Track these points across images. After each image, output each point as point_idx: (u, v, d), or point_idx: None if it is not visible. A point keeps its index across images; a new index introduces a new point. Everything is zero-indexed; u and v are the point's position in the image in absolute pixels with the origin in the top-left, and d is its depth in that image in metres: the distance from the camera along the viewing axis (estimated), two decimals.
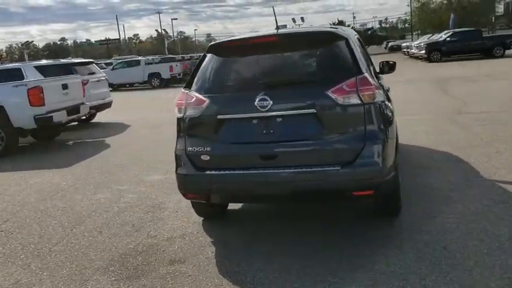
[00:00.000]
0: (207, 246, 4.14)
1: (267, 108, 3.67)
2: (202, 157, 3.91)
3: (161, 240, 4.36)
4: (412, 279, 3.24)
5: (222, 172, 3.84)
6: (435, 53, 29.50)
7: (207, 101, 3.86)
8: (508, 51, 27.80)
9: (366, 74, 3.72)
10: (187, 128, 4.00)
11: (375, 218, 4.37)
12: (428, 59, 29.28)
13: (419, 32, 62.00)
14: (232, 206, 4.92)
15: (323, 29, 4.49)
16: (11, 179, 7.22)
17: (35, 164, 8.23)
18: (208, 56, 4.14)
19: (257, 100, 3.68)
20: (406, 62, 30.33)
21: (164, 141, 9.31)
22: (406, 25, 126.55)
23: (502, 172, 5.38)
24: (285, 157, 3.71)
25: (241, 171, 3.79)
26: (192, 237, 4.36)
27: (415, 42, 34.88)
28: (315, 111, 3.63)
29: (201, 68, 4.11)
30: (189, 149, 3.98)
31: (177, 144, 4.12)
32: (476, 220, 4.11)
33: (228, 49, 4.19)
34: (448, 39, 29.88)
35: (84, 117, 11.49)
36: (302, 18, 64.58)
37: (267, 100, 3.66)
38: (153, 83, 27.51)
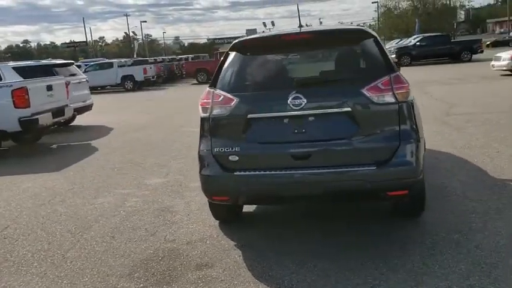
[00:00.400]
0: (231, 249, 4.02)
1: (300, 107, 3.59)
2: (230, 158, 3.79)
3: (181, 244, 4.21)
4: (456, 279, 3.21)
5: (252, 173, 3.73)
6: (405, 57, 30.06)
7: (236, 99, 3.75)
8: (474, 56, 28.57)
9: (399, 73, 3.69)
10: (213, 127, 3.87)
11: (391, 218, 4.34)
12: (399, 63, 29.73)
13: (383, 37, 63.19)
14: (246, 208, 4.80)
15: (353, 27, 4.43)
16: (0, 183, 6.88)
17: (21, 168, 7.87)
18: (232, 54, 4.02)
19: (290, 98, 3.59)
20: None
21: (156, 143, 9.16)
22: None
23: (508, 171, 5.45)
24: (319, 157, 3.63)
25: (273, 172, 3.69)
26: (213, 240, 4.23)
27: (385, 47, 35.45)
28: (350, 109, 3.58)
29: (226, 66, 3.99)
30: (216, 149, 3.85)
31: (200, 145, 3.99)
32: (502, 218, 4.13)
33: (254, 47, 4.10)
34: (418, 43, 30.58)
35: (63, 120, 11.10)
36: (272, 23, 64.96)
37: (300, 98, 3.58)
38: (126, 86, 27.01)
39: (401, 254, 3.65)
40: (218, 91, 3.86)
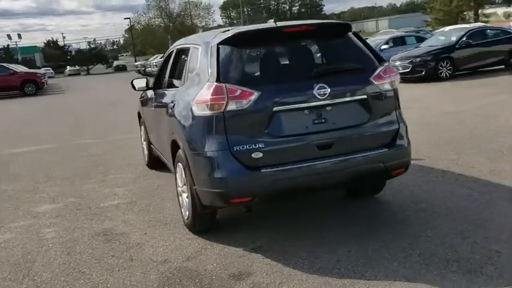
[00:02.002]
0: (249, 254, 3.76)
1: (325, 97, 3.63)
2: (253, 155, 3.56)
3: (181, 261, 3.74)
4: None
5: (281, 168, 3.58)
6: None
7: (257, 93, 3.54)
8: None
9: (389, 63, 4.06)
10: (230, 124, 3.57)
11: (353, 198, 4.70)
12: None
13: (128, 52, 63.65)
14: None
15: (339, 21, 4.56)
16: None
17: None
18: (230, 47, 3.77)
19: (316, 88, 3.60)
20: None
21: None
22: (115, 46, 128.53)
23: None
24: (341, 145, 3.72)
25: (302, 164, 3.62)
26: (220, 250, 3.88)
27: (154, 61, 35.92)
28: (365, 96, 3.78)
29: (225, 59, 3.72)
30: (236, 147, 3.56)
31: (206, 145, 3.64)
32: None
33: (255, 39, 3.94)
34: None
35: None
36: (19, 35, 59.03)
37: (325, 88, 3.62)
38: None
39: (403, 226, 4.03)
40: (230, 85, 3.58)
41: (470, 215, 4.15)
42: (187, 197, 4.15)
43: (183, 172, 4.11)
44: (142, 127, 6.75)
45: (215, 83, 3.60)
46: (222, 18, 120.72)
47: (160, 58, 36.52)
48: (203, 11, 69.08)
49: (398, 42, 18.77)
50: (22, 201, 5.74)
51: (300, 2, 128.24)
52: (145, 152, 6.72)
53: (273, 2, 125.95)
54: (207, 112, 3.62)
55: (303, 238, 3.95)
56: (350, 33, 4.07)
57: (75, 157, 8.15)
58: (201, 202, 3.89)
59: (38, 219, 5.06)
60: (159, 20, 61.25)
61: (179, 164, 4.24)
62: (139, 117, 6.97)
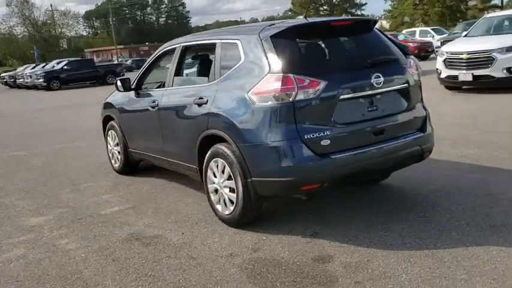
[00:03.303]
0: (310, 245, 3.87)
1: (380, 85, 3.90)
2: (322, 142, 3.70)
3: (249, 253, 3.73)
4: None
5: (347, 154, 3.77)
6: (55, 81, 29.46)
7: (324, 82, 3.69)
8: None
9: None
10: (300, 113, 3.67)
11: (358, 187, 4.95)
12: (49, 87, 28.88)
13: None
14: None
15: (369, 17, 4.79)
16: None
17: None
18: (287, 39, 3.88)
19: (373, 78, 3.86)
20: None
21: None
22: None
23: None
24: (390, 130, 4.03)
25: (364, 150, 3.85)
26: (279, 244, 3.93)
27: (28, 71, 33.21)
28: (407, 85, 4.13)
29: (285, 50, 3.80)
30: (307, 135, 3.67)
31: (274, 135, 3.70)
32: None
33: (309, 32, 4.11)
34: (65, 67, 30.26)
35: None
36: None
37: (380, 77, 3.90)
38: None
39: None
40: (297, 75, 3.68)
41: None
42: (231, 191, 4.12)
43: (227, 167, 4.07)
44: (112, 133, 6.40)
45: (282, 74, 3.68)
46: (85, 28, 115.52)
47: (32, 69, 33.91)
48: (72, 20, 65.55)
49: None
50: (8, 217, 5.13)
51: (166, 14, 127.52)
52: (119, 157, 6.38)
53: (139, 13, 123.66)
54: (274, 102, 3.68)
55: (347, 222, 4.14)
56: (377, 29, 4.40)
57: (20, 169, 7.40)
58: (257, 193, 3.91)
59: (40, 232, 4.59)
60: (23, 28, 56.64)
61: (218, 160, 4.19)
62: (106, 122, 6.59)
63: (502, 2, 59.87)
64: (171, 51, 5.30)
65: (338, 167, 3.73)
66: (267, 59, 3.81)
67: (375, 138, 3.93)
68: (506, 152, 5.92)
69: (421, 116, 4.29)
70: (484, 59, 10.35)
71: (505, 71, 10.16)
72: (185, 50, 5.09)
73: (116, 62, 46.31)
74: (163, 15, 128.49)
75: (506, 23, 11.84)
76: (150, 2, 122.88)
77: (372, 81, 3.86)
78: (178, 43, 5.21)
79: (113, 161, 6.63)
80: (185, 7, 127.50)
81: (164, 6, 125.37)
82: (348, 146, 3.81)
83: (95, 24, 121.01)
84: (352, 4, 77.70)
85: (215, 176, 4.32)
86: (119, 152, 6.36)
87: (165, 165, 5.46)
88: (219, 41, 4.47)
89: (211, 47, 4.57)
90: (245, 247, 3.85)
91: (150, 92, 5.53)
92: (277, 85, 3.66)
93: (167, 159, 5.19)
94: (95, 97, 17.76)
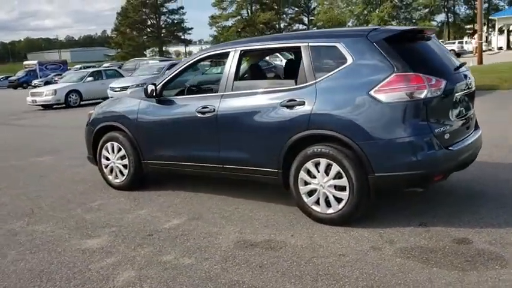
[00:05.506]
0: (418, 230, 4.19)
1: (471, 86, 4.47)
2: (445, 136, 4.09)
3: (402, 244, 3.90)
4: None
5: (460, 146, 4.24)
6: None
7: (444, 81, 4.08)
8: None
9: None
10: (430, 109, 3.99)
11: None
12: None
13: None
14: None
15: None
16: None
17: None
18: (395, 42, 4.15)
19: (467, 79, 4.42)
20: None
21: None
22: None
23: None
24: (471, 124, 4.62)
25: (467, 141, 4.36)
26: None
27: None
28: (474, 88, 4.75)
29: (401, 52, 4.08)
30: (436, 130, 4.01)
31: (405, 130, 3.95)
32: None
33: (410, 38, 4.42)
34: None
35: None
36: None
37: (470, 78, 4.49)
38: None
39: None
40: (424, 75, 4.00)
41: None
42: (337, 190, 4.22)
43: (336, 165, 4.17)
44: (115, 145, 5.81)
45: (412, 73, 3.96)
46: None
47: None
48: None
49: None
50: (49, 242, 4.34)
51: None
52: (124, 171, 5.80)
53: None
54: (406, 100, 3.92)
55: (444, 214, 4.48)
56: None
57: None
58: (376, 189, 4.10)
59: (121, 253, 4.04)
60: None
61: (319, 159, 4.25)
62: (99, 135, 5.96)
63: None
64: (216, 56, 5.14)
65: (456, 158, 4.16)
66: (388, 59, 4.03)
67: (467, 131, 4.47)
68: None
69: (475, 116, 4.95)
70: None
71: None
72: (244, 54, 4.99)
73: None
74: None
75: None
76: None
77: (467, 81, 4.40)
78: (229, 48, 5.07)
79: (110, 177, 5.98)
80: None
81: None
82: (457, 139, 4.27)
83: None
84: (179, 28, 79.44)
85: (311, 177, 4.35)
86: (124, 166, 5.79)
87: (203, 174, 5.31)
88: (304, 44, 4.52)
89: (296, 50, 4.61)
90: (376, 241, 3.96)
91: (189, 99, 5.27)
92: (408, 83, 3.93)
93: (222, 165, 4.96)
94: None
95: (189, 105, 5.14)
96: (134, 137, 5.61)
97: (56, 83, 26.94)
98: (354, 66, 4.19)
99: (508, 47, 49.33)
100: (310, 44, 4.49)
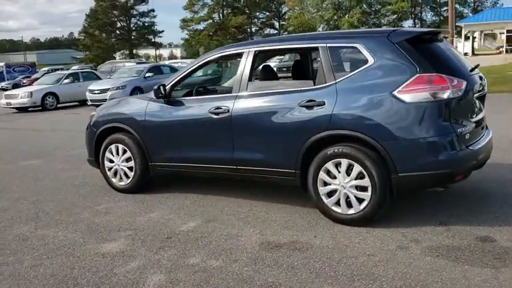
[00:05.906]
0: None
1: (485, 87, 4.55)
2: (466, 136, 4.15)
3: (427, 242, 3.94)
4: None
5: (479, 146, 4.31)
6: None
7: (465, 82, 4.14)
8: None
9: None
10: (452, 109, 4.05)
11: None
12: None
13: None
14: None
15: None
16: None
17: None
18: (414, 43, 4.20)
19: (482, 81, 4.51)
20: None
21: None
22: None
23: None
24: (483, 127, 4.70)
25: (483, 142, 4.43)
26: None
27: None
28: (486, 90, 4.84)
29: (423, 53, 4.13)
30: (459, 130, 4.07)
31: (429, 130, 3.99)
32: None
33: (426, 39, 4.44)
34: None
35: None
36: None
37: (484, 80, 4.56)
38: None
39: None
40: (446, 76, 4.06)
41: None
42: (359, 190, 4.23)
43: (358, 165, 4.18)
44: (120, 147, 5.68)
45: (436, 74, 4.01)
46: None
47: None
48: None
49: (158, 71, 19.49)
50: (64, 246, 4.20)
51: None
52: (130, 174, 5.68)
53: None
54: (430, 100, 3.96)
55: (460, 213, 4.56)
56: None
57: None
58: (399, 189, 4.13)
59: (156, 254, 3.95)
60: None
61: (340, 160, 4.26)
62: (103, 137, 5.82)
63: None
64: (230, 57, 5.09)
65: (476, 157, 4.24)
66: (411, 60, 4.08)
67: (481, 132, 4.55)
68: None
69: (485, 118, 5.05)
70: None
71: None
72: (258, 54, 4.95)
73: None
74: None
75: None
76: None
77: (482, 83, 4.49)
78: (243, 48, 5.03)
79: (114, 180, 5.84)
80: None
81: None
82: (475, 139, 4.34)
83: None
84: (149, 31, 78.65)
85: (332, 178, 4.35)
86: (129, 168, 5.66)
87: (214, 175, 5.24)
88: (322, 45, 4.53)
89: (306, 52, 4.61)
90: (401, 240, 3.98)
91: (200, 100, 5.20)
92: (432, 84, 3.97)
93: (236, 167, 4.91)
94: None
95: (201, 106, 5.08)
96: (141, 138, 5.50)
97: (25, 85, 26.25)
98: (375, 66, 4.21)
99: (473, 53, 50.74)
100: (328, 45, 4.50)
